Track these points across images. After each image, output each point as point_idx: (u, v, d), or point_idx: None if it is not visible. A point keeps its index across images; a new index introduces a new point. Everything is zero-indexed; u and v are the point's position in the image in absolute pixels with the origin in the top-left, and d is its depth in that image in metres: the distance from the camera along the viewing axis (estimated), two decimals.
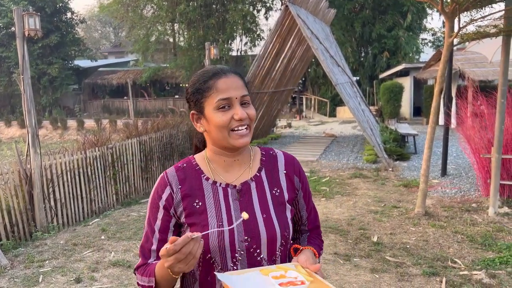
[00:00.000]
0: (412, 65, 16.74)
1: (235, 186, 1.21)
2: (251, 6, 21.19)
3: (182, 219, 1.19)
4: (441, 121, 7.70)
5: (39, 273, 4.00)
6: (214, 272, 1.11)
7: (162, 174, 1.25)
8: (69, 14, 23.99)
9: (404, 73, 17.56)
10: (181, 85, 24.01)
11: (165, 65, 23.88)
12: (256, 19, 21.27)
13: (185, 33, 22.25)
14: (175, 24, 22.62)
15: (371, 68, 19.82)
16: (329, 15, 12.83)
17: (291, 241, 1.28)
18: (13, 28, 19.99)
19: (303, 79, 21.44)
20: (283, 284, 1.01)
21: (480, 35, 4.99)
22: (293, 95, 20.29)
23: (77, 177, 5.74)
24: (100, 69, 26.94)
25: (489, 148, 5.54)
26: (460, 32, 5.00)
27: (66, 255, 4.44)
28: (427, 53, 21.00)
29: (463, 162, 8.24)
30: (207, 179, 1.22)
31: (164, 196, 1.20)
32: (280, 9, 15.86)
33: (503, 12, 4.85)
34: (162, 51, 23.91)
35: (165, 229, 1.20)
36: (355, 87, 12.12)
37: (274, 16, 27.92)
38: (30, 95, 5.18)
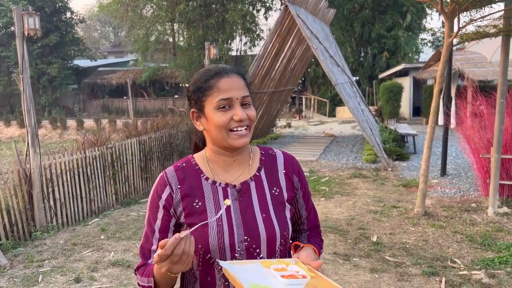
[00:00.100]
0: (411, 65, 16.75)
1: (234, 186, 1.21)
2: (251, 6, 21.19)
3: (182, 219, 1.19)
4: (441, 121, 7.71)
5: (39, 273, 4.00)
6: (217, 259, 1.11)
7: (161, 173, 1.24)
8: (68, 14, 23.98)
9: (403, 73, 17.57)
10: (180, 85, 24.01)
11: (164, 65, 23.87)
12: (256, 19, 21.27)
13: (185, 33, 22.25)
14: (175, 24, 22.62)
15: (371, 68, 19.83)
16: (328, 15, 12.84)
17: (291, 241, 1.28)
18: (12, 28, 19.98)
19: (303, 79, 21.45)
20: (285, 277, 1.01)
21: (479, 35, 4.99)
22: (293, 95, 20.29)
23: (76, 177, 5.74)
24: (100, 69, 26.93)
25: (488, 148, 5.55)
26: (460, 32, 5.00)
27: (66, 255, 4.44)
28: (426, 53, 21.01)
29: (462, 162, 8.25)
30: (207, 179, 1.22)
31: (164, 196, 1.20)
32: (280, 9, 15.88)
33: (503, 12, 4.86)
34: (162, 51, 23.90)
35: (165, 229, 1.20)
36: (354, 87, 12.13)
37: (274, 16, 27.90)
38: (30, 95, 5.18)
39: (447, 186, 6.75)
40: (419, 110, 16.94)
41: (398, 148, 9.29)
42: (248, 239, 1.16)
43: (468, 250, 4.26)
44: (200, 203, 1.18)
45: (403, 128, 11.12)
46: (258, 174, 1.25)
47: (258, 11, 21.64)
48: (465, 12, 5.01)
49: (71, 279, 3.85)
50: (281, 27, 10.14)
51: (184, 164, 1.25)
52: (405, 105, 16.95)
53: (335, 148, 11.10)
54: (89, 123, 19.27)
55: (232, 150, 1.21)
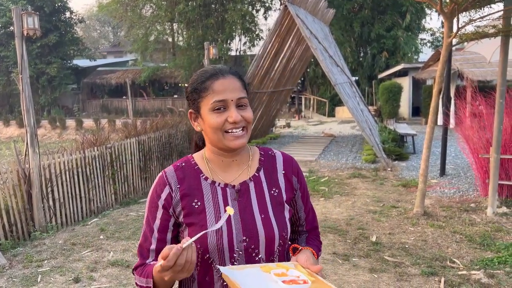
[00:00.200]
0: (411, 65, 16.75)
1: (234, 186, 1.21)
2: (250, 6, 21.19)
3: (181, 219, 1.19)
4: (440, 121, 7.72)
5: (38, 273, 4.00)
6: (216, 265, 1.10)
7: (160, 173, 1.24)
8: (68, 14, 23.96)
9: (403, 73, 17.59)
10: (180, 84, 24.00)
11: (164, 64, 23.86)
12: (255, 19, 21.27)
13: (184, 32, 22.24)
14: (174, 24, 22.61)
15: (370, 68, 19.84)
16: (328, 15, 12.84)
17: (289, 242, 1.28)
18: (11, 28, 19.96)
19: (302, 79, 21.45)
20: (286, 282, 1.01)
21: (479, 35, 5.00)
22: (292, 95, 20.29)
23: (75, 177, 5.74)
24: (99, 68, 26.91)
25: (487, 148, 5.55)
26: (459, 32, 5.00)
27: (65, 255, 4.43)
28: (426, 53, 21.02)
29: (461, 162, 8.25)
30: (206, 178, 1.22)
31: (163, 196, 1.20)
32: (279, 9, 15.86)
33: (502, 12, 4.86)
34: (161, 51, 23.88)
35: (164, 229, 1.20)
36: (354, 87, 12.13)
37: (273, 16, 27.91)
38: (29, 95, 5.17)
39: (446, 186, 6.76)
40: (418, 110, 16.95)
41: (398, 148, 9.29)
42: (247, 239, 1.16)
43: (467, 250, 4.26)
44: (199, 203, 1.18)
45: (402, 128, 11.12)
46: (257, 174, 1.25)
47: (257, 11, 21.65)
48: (464, 12, 5.01)
49: (70, 279, 3.85)
50: (281, 27, 10.14)
51: (183, 164, 1.25)
52: (405, 105, 16.96)
53: (335, 148, 11.11)
54: (88, 123, 19.25)
55: (229, 151, 1.20)
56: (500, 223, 4.93)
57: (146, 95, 24.60)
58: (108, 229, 5.23)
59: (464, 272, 3.77)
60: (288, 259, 1.24)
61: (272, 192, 1.24)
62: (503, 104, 4.99)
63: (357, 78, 19.61)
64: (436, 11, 15.37)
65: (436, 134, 6.87)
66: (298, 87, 21.06)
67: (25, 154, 5.18)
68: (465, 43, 6.68)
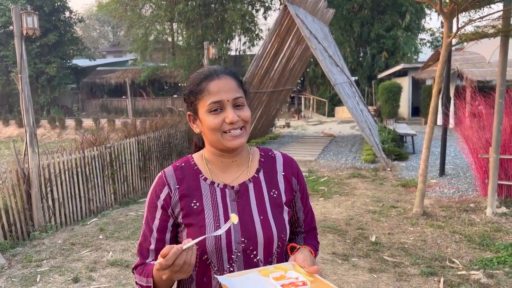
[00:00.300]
0: (410, 65, 16.76)
1: (233, 187, 1.21)
2: (250, 6, 21.19)
3: (180, 219, 1.19)
4: (440, 121, 7.72)
5: (37, 273, 3.99)
6: (213, 274, 1.10)
7: (160, 173, 1.24)
8: (67, 13, 23.93)
9: (402, 73, 17.59)
10: (179, 84, 23.99)
11: (163, 64, 23.86)
12: (255, 18, 21.27)
13: (184, 32, 22.24)
14: (174, 24, 22.60)
15: (370, 68, 19.84)
16: (327, 15, 12.84)
17: (287, 242, 1.28)
18: (11, 27, 19.94)
19: (302, 79, 21.45)
20: (285, 286, 1.00)
21: (478, 36, 5.00)
22: (292, 95, 20.30)
23: (75, 177, 5.73)
24: (99, 68, 26.90)
25: (487, 148, 5.55)
26: (459, 33, 5.00)
27: (64, 255, 4.43)
28: (425, 53, 21.03)
29: (461, 162, 8.25)
30: (205, 179, 1.22)
31: (162, 196, 1.20)
32: (279, 8, 15.87)
33: (502, 12, 4.86)
34: (161, 51, 23.88)
35: (163, 229, 1.20)
36: (353, 87, 12.13)
37: (273, 15, 27.91)
38: (28, 94, 5.17)
39: (446, 186, 6.76)
40: (418, 110, 16.95)
41: (397, 148, 9.29)
42: (245, 240, 1.15)
43: (467, 250, 4.26)
44: (198, 204, 1.18)
45: (402, 128, 11.13)
46: (257, 175, 1.24)
47: (257, 11, 21.65)
48: (464, 13, 5.01)
49: (70, 279, 3.85)
50: (280, 27, 10.14)
51: (183, 164, 1.25)
52: (404, 105, 16.97)
53: (334, 148, 11.11)
54: (87, 122, 19.24)
55: (228, 151, 1.20)
56: (499, 223, 4.93)
57: (145, 95, 24.59)
58: (107, 229, 5.23)
59: (464, 272, 3.77)
60: (287, 260, 1.24)
61: (272, 193, 1.23)
62: (502, 104, 4.99)
63: (356, 78, 19.61)
64: (435, 11, 15.38)
65: (435, 134, 6.88)
66: (298, 87, 21.06)
67: (24, 154, 5.17)
68: (465, 43, 6.68)
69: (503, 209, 5.32)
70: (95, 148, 6.16)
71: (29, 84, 5.26)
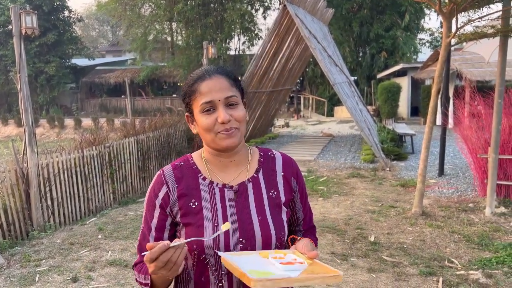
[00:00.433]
0: (409, 65, 16.77)
1: (232, 187, 1.21)
2: (249, 5, 21.18)
3: (178, 219, 1.19)
4: (439, 121, 7.73)
5: (36, 272, 3.99)
6: (216, 251, 1.11)
7: (158, 172, 1.24)
8: (66, 13, 23.89)
9: (401, 73, 17.60)
10: (179, 84, 23.98)
11: (163, 64, 23.84)
12: (254, 18, 21.26)
13: (183, 32, 22.22)
14: (173, 23, 22.59)
15: (369, 68, 19.85)
16: (327, 14, 12.84)
17: (285, 244, 1.28)
18: (10, 26, 19.89)
19: (301, 78, 21.45)
20: (283, 263, 1.02)
21: (477, 36, 5.00)
22: (291, 95, 20.31)
23: (74, 176, 5.73)
24: (98, 67, 26.87)
25: (486, 148, 5.56)
26: (458, 33, 5.00)
27: (63, 254, 4.42)
28: (424, 53, 21.04)
29: (460, 162, 8.26)
30: (204, 178, 1.22)
31: (161, 195, 1.20)
32: (278, 8, 15.85)
33: (501, 12, 4.86)
34: (160, 50, 23.86)
35: (161, 228, 1.21)
36: (352, 87, 12.13)
37: (272, 15, 27.91)
38: (27, 94, 5.16)
39: (445, 186, 6.76)
40: (417, 110, 16.96)
41: (396, 148, 9.30)
42: (243, 240, 1.15)
43: (466, 250, 4.27)
44: (196, 203, 1.18)
45: (401, 128, 11.13)
46: (256, 175, 1.24)
47: (256, 10, 21.64)
48: (463, 13, 5.02)
49: (68, 278, 3.84)
50: (280, 26, 10.14)
51: (182, 163, 1.25)
52: (403, 105, 16.98)
53: (333, 147, 11.11)
54: (87, 122, 19.22)
55: (223, 150, 1.20)
56: (498, 223, 4.94)
57: (144, 95, 24.57)
58: (106, 229, 5.22)
59: (462, 272, 3.77)
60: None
61: (271, 193, 1.24)
62: (501, 104, 5.00)
63: (356, 78, 19.62)
64: (435, 11, 15.39)
65: (434, 134, 6.89)
66: (297, 87, 21.06)
67: (23, 153, 5.17)
68: (464, 43, 6.69)
69: (502, 209, 5.32)
70: (94, 147, 6.16)
71: (28, 83, 5.26)
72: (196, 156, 1.27)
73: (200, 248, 1.13)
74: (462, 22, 4.99)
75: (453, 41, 5.18)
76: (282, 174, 1.28)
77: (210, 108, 1.15)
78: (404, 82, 16.90)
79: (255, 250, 1.16)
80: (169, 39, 23.55)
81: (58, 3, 22.95)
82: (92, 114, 22.28)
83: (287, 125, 16.32)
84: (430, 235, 4.68)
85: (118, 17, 22.56)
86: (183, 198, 1.19)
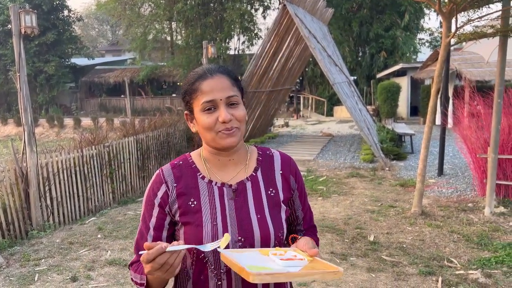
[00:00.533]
0: (409, 65, 16.77)
1: (230, 186, 1.21)
2: (249, 5, 21.17)
3: (177, 218, 1.19)
4: (438, 121, 7.74)
5: (35, 272, 3.99)
6: (217, 249, 1.11)
7: (157, 171, 1.24)
8: (66, 12, 23.86)
9: (401, 73, 17.60)
10: (178, 83, 23.97)
11: (162, 63, 23.82)
12: (254, 18, 21.25)
13: (183, 31, 22.21)
14: (173, 23, 22.58)
15: (369, 68, 19.85)
16: (326, 14, 12.84)
17: (285, 242, 1.28)
18: (9, 26, 19.87)
19: (301, 78, 21.45)
20: (283, 260, 1.02)
21: (477, 35, 5.00)
22: (291, 94, 20.30)
23: (73, 176, 5.72)
24: (97, 67, 26.85)
25: (485, 148, 5.56)
26: (457, 32, 5.01)
27: (62, 254, 4.42)
28: (424, 53, 21.05)
29: (459, 162, 8.26)
30: (203, 177, 1.22)
31: (160, 194, 1.20)
32: (278, 8, 15.86)
33: (500, 12, 4.86)
34: (160, 50, 23.85)
35: (159, 227, 1.21)
36: (352, 87, 12.13)
37: (272, 15, 27.93)
38: (27, 93, 5.16)
39: (444, 186, 6.77)
40: (416, 110, 16.97)
41: (396, 148, 9.30)
42: (242, 239, 1.16)
43: (465, 249, 4.27)
44: (195, 202, 1.18)
45: (400, 128, 11.13)
46: (254, 174, 1.25)
47: (256, 10, 21.63)
48: (463, 12, 5.02)
49: (68, 278, 3.84)
50: (279, 26, 10.14)
51: (181, 162, 1.25)
52: (403, 105, 16.98)
53: (333, 147, 11.11)
54: (86, 121, 19.20)
55: (223, 150, 1.20)
56: (497, 223, 4.94)
57: (144, 94, 24.56)
58: (105, 228, 5.22)
59: (462, 271, 3.77)
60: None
61: (269, 192, 1.24)
62: (501, 104, 5.00)
63: (355, 77, 19.62)
64: (434, 11, 15.39)
65: (434, 134, 6.89)
66: (297, 87, 21.05)
67: (23, 153, 5.16)
68: (464, 43, 6.69)
69: (501, 209, 5.33)
70: (93, 147, 6.15)
71: (28, 83, 5.25)
72: (195, 155, 1.27)
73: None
74: (462, 22, 5.00)
75: (452, 41, 5.18)
76: (281, 172, 1.28)
77: (211, 107, 1.15)
78: (404, 82, 16.90)
79: (254, 248, 1.16)
80: (168, 38, 23.54)
81: (57, 3, 22.92)
82: (92, 113, 22.27)
83: (286, 124, 16.32)
84: (430, 235, 4.69)
85: (118, 16, 22.55)
86: (182, 197, 1.19)
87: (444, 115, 7.42)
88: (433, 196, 6.22)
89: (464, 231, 4.73)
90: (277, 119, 16.77)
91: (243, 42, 21.83)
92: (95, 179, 6.13)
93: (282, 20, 10.01)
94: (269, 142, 12.11)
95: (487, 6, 5.05)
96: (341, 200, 6.24)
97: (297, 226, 1.36)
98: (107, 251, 4.45)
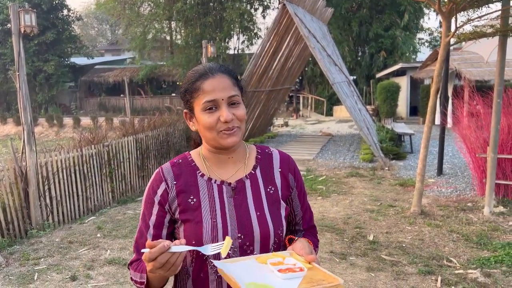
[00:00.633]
0: (409, 64, 16.78)
1: (230, 183, 1.21)
2: (249, 5, 21.17)
3: (176, 215, 1.19)
4: (438, 120, 7.74)
5: (34, 271, 3.99)
6: (210, 260, 1.11)
7: (157, 169, 1.25)
8: (65, 11, 23.85)
9: (401, 72, 17.60)
10: (178, 83, 23.95)
11: (162, 63, 23.82)
12: (254, 17, 21.25)
13: (182, 31, 22.21)
14: (172, 22, 22.57)
15: (368, 68, 19.86)
16: (326, 14, 12.84)
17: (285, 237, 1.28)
18: (9, 25, 19.86)
19: (300, 78, 21.45)
20: (282, 271, 1.02)
21: (476, 35, 5.00)
22: (290, 94, 20.31)
23: (73, 175, 5.72)
24: (97, 66, 26.83)
25: (484, 148, 5.56)
26: (457, 32, 5.01)
27: (62, 253, 4.42)
28: (423, 53, 21.06)
29: (459, 162, 8.27)
30: (202, 175, 1.22)
31: (160, 192, 1.20)
32: (278, 7, 15.84)
33: (500, 12, 4.87)
34: (159, 49, 23.84)
35: (159, 225, 1.21)
36: (352, 86, 12.14)
37: (272, 14, 27.94)
38: (26, 92, 5.15)
39: (444, 185, 6.77)
40: (416, 110, 16.98)
41: (395, 148, 9.30)
42: (242, 236, 1.16)
43: (464, 249, 4.27)
44: (195, 200, 1.18)
45: (400, 128, 11.14)
46: (253, 172, 1.25)
47: (256, 9, 21.63)
48: (462, 12, 5.02)
49: (67, 277, 3.84)
50: (279, 25, 10.14)
51: (180, 161, 1.26)
52: (402, 105, 16.99)
53: (332, 147, 11.12)
54: (85, 121, 19.19)
55: (224, 149, 1.20)
56: (496, 223, 4.94)
57: (144, 93, 24.56)
58: (105, 227, 5.22)
59: (461, 271, 3.78)
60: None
61: (268, 190, 1.24)
62: (500, 104, 5.00)
63: (355, 77, 19.62)
64: (434, 11, 15.40)
65: (433, 133, 6.89)
66: (296, 86, 21.06)
67: (22, 152, 5.16)
68: (463, 43, 6.69)
69: (501, 209, 5.33)
70: (93, 146, 6.15)
71: (27, 82, 5.25)
72: (194, 153, 1.28)
73: (199, 245, 1.13)
74: (461, 21, 5.00)
75: (452, 40, 5.18)
76: (280, 170, 1.28)
77: (212, 106, 1.15)
78: (403, 82, 16.91)
79: (253, 245, 1.16)
80: (168, 38, 23.54)
81: (57, 2, 22.91)
82: (91, 113, 22.26)
83: (286, 124, 16.33)
84: (429, 234, 4.69)
85: (117, 16, 22.54)
86: (181, 194, 1.19)
87: (444, 114, 7.42)
88: (433, 196, 6.22)
89: (464, 231, 4.73)
90: (276, 119, 16.78)
91: (243, 42, 21.84)
92: (95, 179, 6.13)
93: (281, 20, 10.01)
94: (269, 142, 12.11)
95: (486, 5, 5.06)
96: (340, 199, 6.25)
97: (297, 225, 1.36)
98: (107, 251, 4.45)
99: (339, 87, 9.40)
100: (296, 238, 1.23)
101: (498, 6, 5.06)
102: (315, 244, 1.35)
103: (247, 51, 21.81)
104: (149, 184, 1.24)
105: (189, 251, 1.16)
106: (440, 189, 6.55)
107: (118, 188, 6.69)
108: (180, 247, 0.98)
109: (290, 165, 1.30)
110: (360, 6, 19.34)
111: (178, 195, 1.19)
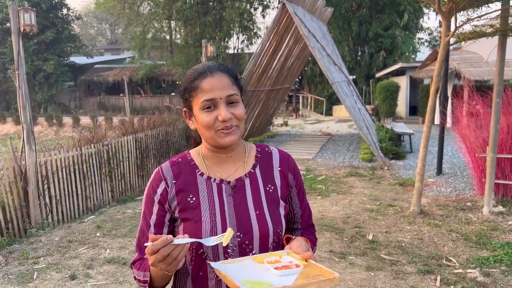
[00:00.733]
0: (408, 64, 16.78)
1: (229, 182, 1.22)
2: (248, 4, 21.16)
3: (176, 214, 1.20)
4: (437, 120, 7.74)
5: (34, 270, 3.99)
6: (207, 261, 1.11)
7: (157, 168, 1.25)
8: (65, 10, 23.83)
9: (400, 72, 17.61)
10: (177, 82, 23.94)
11: (161, 62, 23.81)
12: (253, 17, 21.26)
13: (182, 30, 22.20)
14: (172, 21, 22.56)
15: (368, 67, 19.85)
16: (326, 13, 12.83)
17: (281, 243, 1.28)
18: (8, 24, 19.85)
19: (300, 77, 21.45)
20: (278, 268, 1.02)
21: (476, 35, 5.01)
22: (290, 94, 20.31)
23: (72, 174, 5.72)
24: (96, 66, 26.82)
25: (484, 148, 5.57)
26: (457, 32, 5.01)
27: (61, 252, 4.42)
28: (423, 53, 21.06)
29: (458, 161, 8.28)
30: (202, 174, 1.22)
31: (159, 191, 1.21)
32: (277, 7, 15.85)
33: (500, 11, 4.87)
34: (159, 48, 23.83)
35: (160, 224, 1.21)
36: (351, 86, 12.14)
37: (271, 14, 27.93)
38: (25, 92, 5.15)
39: (443, 185, 6.78)
40: (415, 109, 16.98)
41: (395, 147, 9.31)
42: (241, 235, 1.16)
43: (463, 248, 4.28)
44: (194, 198, 1.19)
45: (399, 127, 11.14)
46: (253, 171, 1.25)
47: (255, 9, 21.63)
48: (462, 12, 5.02)
49: (67, 276, 3.84)
50: (279, 25, 10.14)
51: (180, 160, 1.26)
52: (402, 104, 17.00)
53: (332, 146, 11.12)
54: (85, 120, 19.18)
55: (223, 148, 1.21)
56: (496, 222, 4.95)
57: (143, 93, 24.55)
58: (104, 227, 5.22)
59: (460, 270, 3.78)
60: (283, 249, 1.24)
61: (268, 188, 1.24)
62: (500, 104, 5.01)
63: (354, 77, 19.62)
64: (434, 10, 15.40)
65: (433, 133, 6.89)
66: (296, 86, 21.05)
67: (22, 151, 5.16)
68: (463, 43, 6.70)
69: (500, 208, 5.34)
70: (92, 145, 6.15)
71: (26, 81, 5.24)
72: (194, 152, 1.28)
73: (198, 243, 1.13)
74: (461, 21, 5.00)
75: (452, 40, 5.18)
76: (279, 169, 1.28)
77: (211, 105, 1.15)
78: (403, 81, 16.92)
79: (252, 244, 1.17)
80: (167, 37, 23.53)
81: (56, 1, 22.89)
82: (91, 112, 22.25)
83: (285, 124, 16.33)
84: (428, 234, 4.69)
85: (117, 15, 22.52)
86: (181, 193, 1.19)
87: (443, 114, 7.42)
88: (432, 195, 6.23)
89: (463, 230, 4.74)
90: (276, 118, 16.78)
91: (242, 41, 21.84)
92: (94, 178, 6.13)
93: (281, 19, 10.00)
94: (268, 141, 12.11)
95: (486, 5, 5.06)
96: (340, 199, 6.25)
97: (295, 224, 1.36)
98: (106, 250, 4.45)
99: (339, 87, 9.40)
100: (294, 237, 1.24)
101: (497, 5, 5.06)
102: (313, 243, 1.35)
103: (246, 51, 21.81)
104: (149, 183, 1.24)
105: (188, 250, 1.17)
106: (440, 189, 6.56)
107: (117, 187, 6.69)
108: (182, 239, 0.98)
109: (289, 164, 1.31)
110: (359, 6, 19.34)
111: (177, 194, 1.19)
